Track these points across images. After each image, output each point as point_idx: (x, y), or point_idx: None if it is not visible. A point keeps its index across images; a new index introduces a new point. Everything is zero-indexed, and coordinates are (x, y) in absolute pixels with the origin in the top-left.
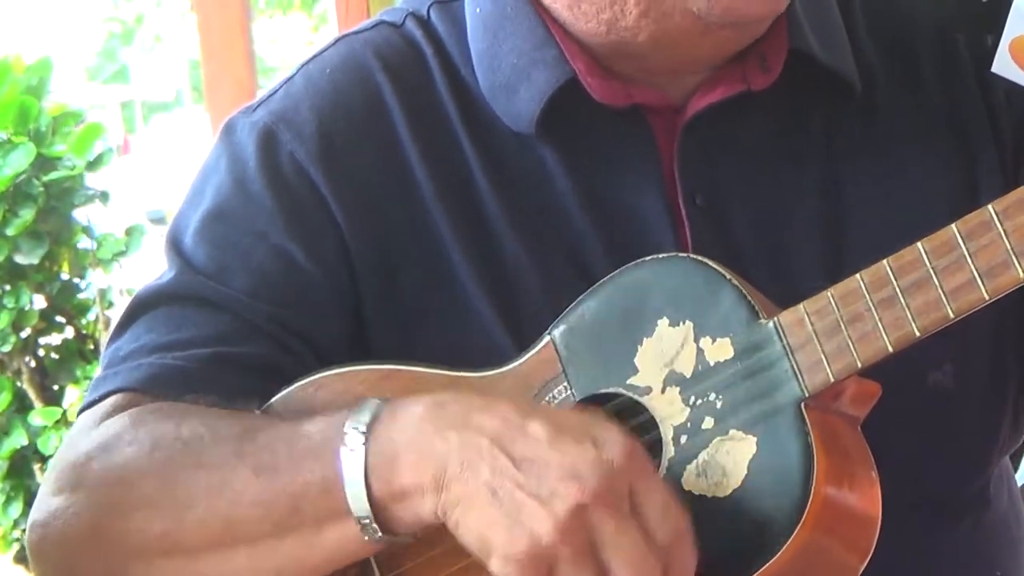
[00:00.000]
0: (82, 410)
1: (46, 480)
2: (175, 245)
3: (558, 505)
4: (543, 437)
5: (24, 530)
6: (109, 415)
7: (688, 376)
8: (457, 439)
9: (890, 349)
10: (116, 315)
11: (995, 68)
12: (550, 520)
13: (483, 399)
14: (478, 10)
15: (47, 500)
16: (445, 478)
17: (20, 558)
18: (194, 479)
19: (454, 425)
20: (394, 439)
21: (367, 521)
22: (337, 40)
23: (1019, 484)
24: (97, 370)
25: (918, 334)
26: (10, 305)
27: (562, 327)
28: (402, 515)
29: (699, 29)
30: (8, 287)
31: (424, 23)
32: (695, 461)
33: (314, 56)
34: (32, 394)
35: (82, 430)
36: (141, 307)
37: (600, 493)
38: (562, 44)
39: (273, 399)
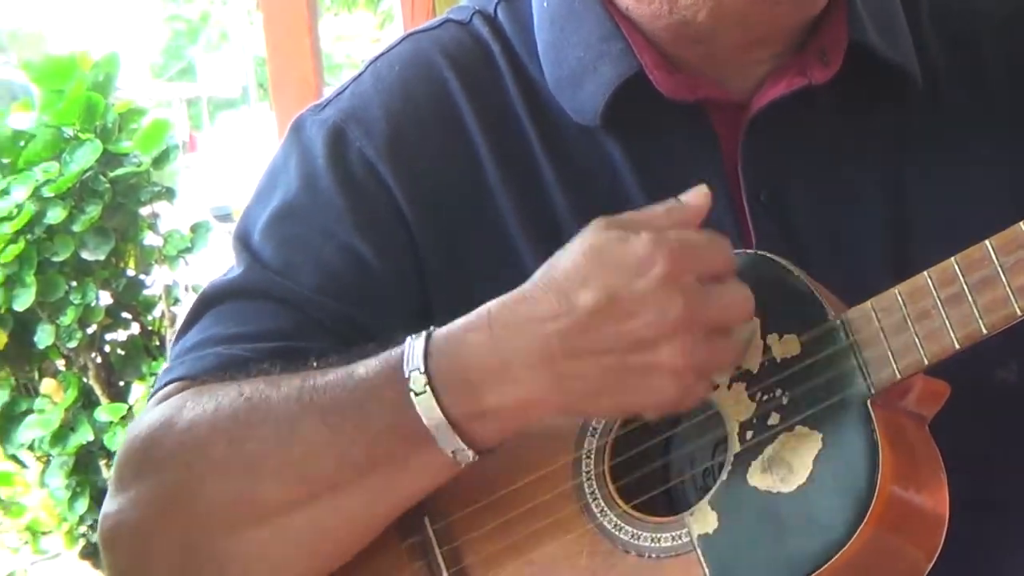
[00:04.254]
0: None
1: (113, 472)
2: (243, 241)
3: (664, 347)
4: (599, 307)
5: (90, 526)
6: (168, 397)
7: (755, 372)
8: (536, 354)
9: (957, 346)
10: (181, 311)
11: None
12: (667, 351)
13: (523, 304)
14: (545, 3)
15: (116, 490)
16: (547, 382)
17: (86, 554)
18: (262, 434)
19: (518, 335)
20: (463, 359)
21: (460, 448)
22: (404, 38)
23: None
24: (164, 364)
25: (985, 331)
26: (76, 301)
27: None
28: (491, 432)
29: (753, 2)
30: (74, 283)
31: (491, 20)
32: (761, 456)
33: (382, 54)
34: (98, 390)
35: (142, 415)
36: (208, 302)
37: (679, 310)
38: (629, 38)
39: None
